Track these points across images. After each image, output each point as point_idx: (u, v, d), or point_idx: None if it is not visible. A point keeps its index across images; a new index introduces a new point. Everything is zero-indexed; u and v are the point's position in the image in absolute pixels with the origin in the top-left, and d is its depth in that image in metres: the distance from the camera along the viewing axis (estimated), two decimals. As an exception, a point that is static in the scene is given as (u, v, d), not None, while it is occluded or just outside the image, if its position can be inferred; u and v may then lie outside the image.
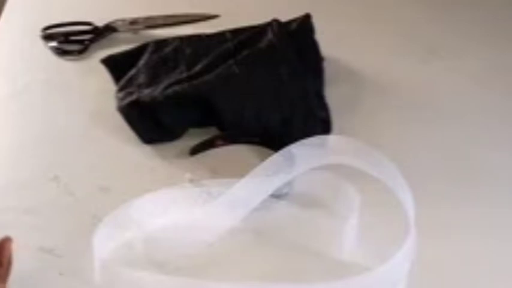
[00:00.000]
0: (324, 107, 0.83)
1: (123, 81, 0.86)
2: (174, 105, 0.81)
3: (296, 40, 0.88)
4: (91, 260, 0.64)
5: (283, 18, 0.90)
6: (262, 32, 0.88)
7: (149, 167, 0.77)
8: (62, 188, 0.74)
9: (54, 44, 0.95)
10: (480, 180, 0.77)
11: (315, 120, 0.81)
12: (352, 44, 0.96)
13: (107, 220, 0.67)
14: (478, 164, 0.78)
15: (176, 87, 0.82)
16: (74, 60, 0.93)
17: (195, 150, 0.79)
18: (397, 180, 0.67)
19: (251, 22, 0.91)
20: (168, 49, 0.89)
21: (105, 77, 0.88)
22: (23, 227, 0.70)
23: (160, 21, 0.98)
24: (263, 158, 0.73)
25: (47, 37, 0.96)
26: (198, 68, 0.85)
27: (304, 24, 0.90)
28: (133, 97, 0.82)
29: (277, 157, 0.72)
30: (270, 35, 0.87)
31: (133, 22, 0.98)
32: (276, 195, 0.72)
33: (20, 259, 0.64)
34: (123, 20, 0.98)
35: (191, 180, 0.75)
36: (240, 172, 0.72)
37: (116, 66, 0.88)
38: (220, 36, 0.90)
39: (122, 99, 0.83)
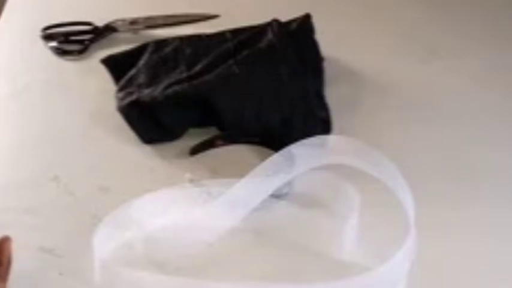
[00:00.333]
0: (324, 107, 0.83)
1: (123, 81, 0.86)
2: (174, 105, 0.81)
3: (296, 40, 0.88)
4: (91, 260, 0.64)
5: (283, 18, 0.90)
6: (262, 32, 0.88)
7: (149, 167, 0.77)
8: (62, 188, 0.74)
9: (54, 44, 0.95)
10: (480, 180, 0.77)
11: (315, 120, 0.81)
12: (352, 44, 0.96)
13: (107, 220, 0.67)
14: (478, 164, 0.78)
15: (176, 87, 0.82)
16: (74, 60, 0.93)
17: (195, 150, 0.79)
18: (397, 180, 0.67)
19: (251, 22, 0.91)
20: (168, 49, 0.89)
21: (105, 77, 0.88)
22: (23, 227, 0.70)
23: (160, 21, 0.98)
24: (263, 158, 0.73)
25: (47, 37, 0.96)
26: (198, 68, 0.85)
27: (304, 24, 0.90)
28: (133, 97, 0.82)
29: (277, 157, 0.72)
30: (270, 35, 0.87)
31: (133, 22, 0.98)
32: (276, 195, 0.72)
33: (20, 259, 0.64)
34: (123, 20, 0.98)
35: (191, 180, 0.75)
36: (240, 172, 0.72)
37: (116, 66, 0.88)
38: (220, 36, 0.90)
39: (122, 99, 0.83)
